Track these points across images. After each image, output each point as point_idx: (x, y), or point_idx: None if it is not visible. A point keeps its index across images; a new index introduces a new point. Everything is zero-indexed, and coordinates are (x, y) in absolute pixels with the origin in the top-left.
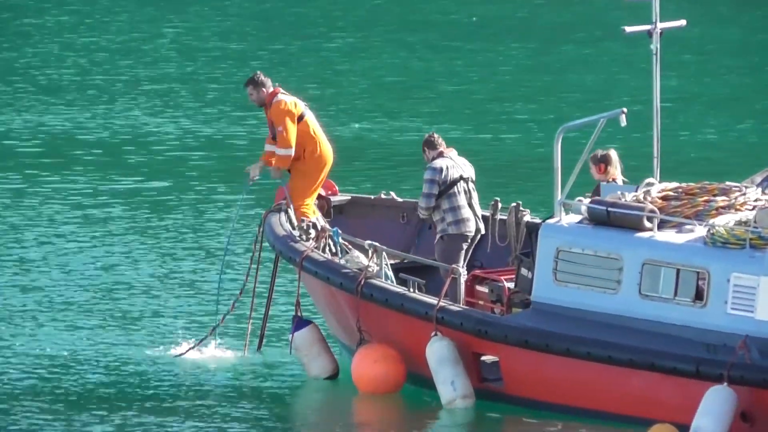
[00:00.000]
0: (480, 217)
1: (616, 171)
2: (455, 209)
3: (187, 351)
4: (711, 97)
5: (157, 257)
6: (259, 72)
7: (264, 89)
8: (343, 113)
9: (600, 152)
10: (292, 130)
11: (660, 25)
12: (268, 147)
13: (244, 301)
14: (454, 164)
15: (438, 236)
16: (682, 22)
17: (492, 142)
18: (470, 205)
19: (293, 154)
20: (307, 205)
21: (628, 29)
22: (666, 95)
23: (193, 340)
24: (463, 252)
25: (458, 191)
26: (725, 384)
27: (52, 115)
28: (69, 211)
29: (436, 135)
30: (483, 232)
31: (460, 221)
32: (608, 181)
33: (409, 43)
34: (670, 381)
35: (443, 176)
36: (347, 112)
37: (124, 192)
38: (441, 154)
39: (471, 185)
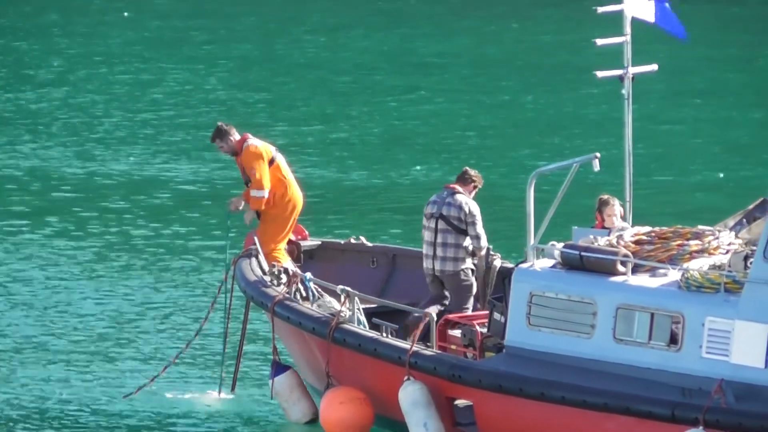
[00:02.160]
0: (437, 257)
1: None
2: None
3: (138, 390)
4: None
5: (134, 298)
6: (220, 123)
7: (231, 138)
8: (322, 157)
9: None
10: (266, 172)
11: (631, 70)
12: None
13: (218, 345)
14: (435, 201)
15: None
16: (654, 67)
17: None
18: (434, 244)
19: (267, 195)
20: (278, 249)
21: (600, 74)
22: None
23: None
24: (431, 286)
25: (426, 227)
26: (701, 428)
27: (50, 157)
28: (50, 253)
29: (468, 170)
30: (435, 272)
31: (423, 256)
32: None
33: (400, 86)
34: (645, 425)
35: (425, 211)
36: (328, 155)
37: (110, 234)
38: (447, 189)
39: (442, 224)
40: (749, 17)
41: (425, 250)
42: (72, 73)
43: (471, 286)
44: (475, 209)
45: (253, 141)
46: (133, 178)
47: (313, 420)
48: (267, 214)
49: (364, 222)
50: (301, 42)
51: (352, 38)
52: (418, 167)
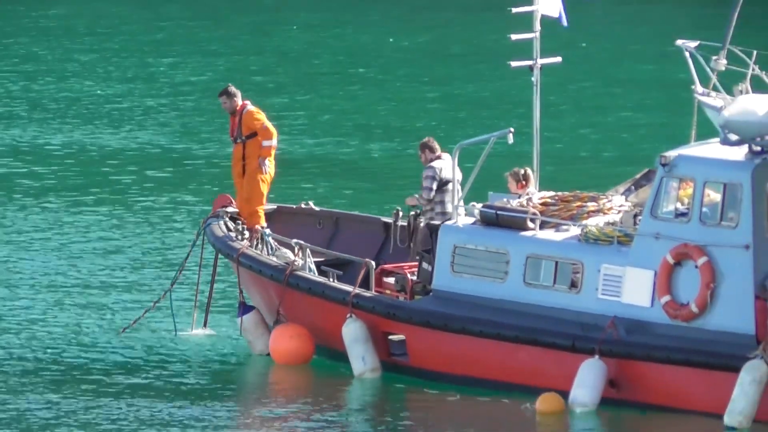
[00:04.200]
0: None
1: (531, 186)
2: (444, 203)
3: (128, 328)
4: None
5: (126, 254)
6: (230, 84)
7: (236, 99)
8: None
9: (520, 170)
10: (270, 124)
11: (540, 61)
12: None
13: (189, 289)
14: (448, 167)
15: (423, 224)
16: (558, 59)
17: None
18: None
19: (276, 144)
20: (262, 209)
21: (513, 64)
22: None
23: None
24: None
25: (449, 190)
26: (597, 357)
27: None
28: (53, 215)
29: (433, 140)
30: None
31: (445, 214)
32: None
33: (368, 77)
34: (550, 354)
35: (442, 175)
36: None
37: (111, 201)
38: (439, 158)
39: (458, 186)
40: (659, 15)
41: (450, 209)
42: (76, 60)
43: None
44: (425, 171)
45: (253, 107)
46: (135, 154)
47: None
48: (255, 179)
49: (324, 188)
50: (287, 37)
51: (330, 35)
52: (376, 144)
